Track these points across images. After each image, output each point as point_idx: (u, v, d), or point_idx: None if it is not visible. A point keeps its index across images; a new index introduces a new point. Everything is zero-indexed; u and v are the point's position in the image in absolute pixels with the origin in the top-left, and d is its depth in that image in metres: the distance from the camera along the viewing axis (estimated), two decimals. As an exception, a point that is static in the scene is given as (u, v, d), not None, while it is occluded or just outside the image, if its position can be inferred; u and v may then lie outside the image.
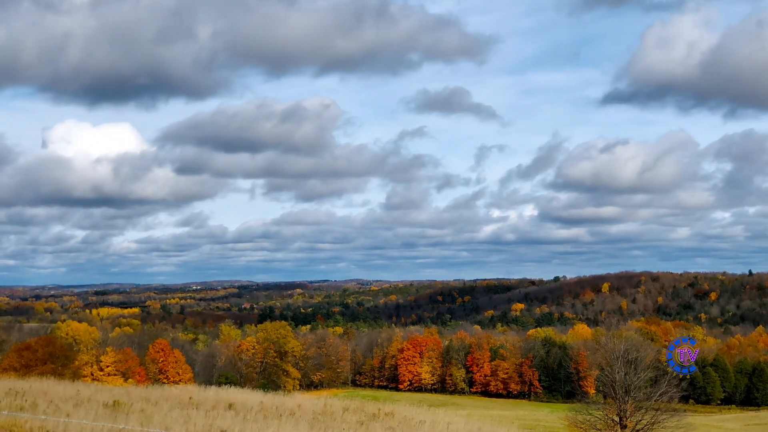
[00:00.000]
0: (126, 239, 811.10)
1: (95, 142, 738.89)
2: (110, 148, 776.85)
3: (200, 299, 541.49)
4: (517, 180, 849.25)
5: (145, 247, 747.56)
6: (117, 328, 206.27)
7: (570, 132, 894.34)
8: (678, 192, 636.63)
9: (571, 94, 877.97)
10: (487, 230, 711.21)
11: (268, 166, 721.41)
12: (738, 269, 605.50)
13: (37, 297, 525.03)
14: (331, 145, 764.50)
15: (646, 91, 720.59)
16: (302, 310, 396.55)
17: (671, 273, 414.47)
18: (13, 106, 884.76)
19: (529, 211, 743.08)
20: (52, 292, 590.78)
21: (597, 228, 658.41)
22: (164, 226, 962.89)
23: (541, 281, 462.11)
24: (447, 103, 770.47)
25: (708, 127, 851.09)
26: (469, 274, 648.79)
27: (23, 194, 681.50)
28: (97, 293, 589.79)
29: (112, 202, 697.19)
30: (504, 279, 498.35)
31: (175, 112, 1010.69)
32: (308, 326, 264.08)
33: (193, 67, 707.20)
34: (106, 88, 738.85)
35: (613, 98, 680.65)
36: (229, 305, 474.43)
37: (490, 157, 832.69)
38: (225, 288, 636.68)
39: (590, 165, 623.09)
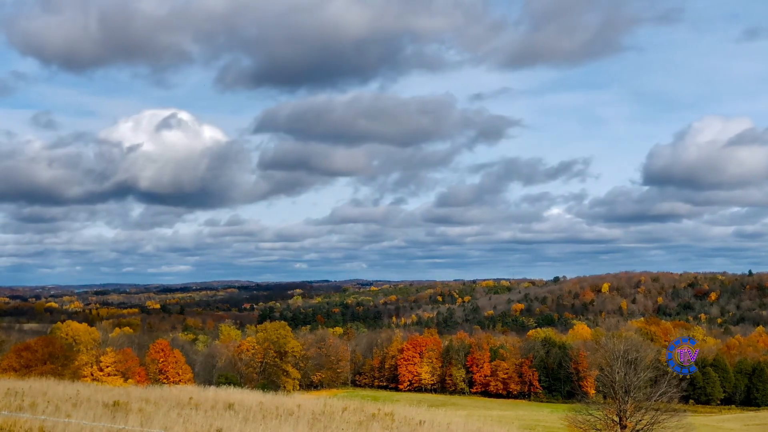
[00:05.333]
0: (156, 237, 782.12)
1: (179, 135, 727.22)
2: (200, 142, 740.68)
3: (200, 299, 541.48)
4: (613, 176, 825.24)
5: (163, 247, 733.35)
6: (117, 329, 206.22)
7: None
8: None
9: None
10: (530, 228, 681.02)
11: (362, 161, 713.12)
12: (738, 269, 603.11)
13: (38, 297, 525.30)
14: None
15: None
16: (302, 311, 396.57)
17: (671, 273, 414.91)
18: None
19: (579, 209, 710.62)
20: (52, 292, 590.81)
21: (642, 227, 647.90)
22: (196, 225, 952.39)
23: (541, 281, 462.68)
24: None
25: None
26: (479, 274, 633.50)
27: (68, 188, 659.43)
28: (97, 293, 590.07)
29: (166, 199, 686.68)
30: (504, 279, 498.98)
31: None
32: (308, 326, 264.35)
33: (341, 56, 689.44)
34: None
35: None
36: (229, 305, 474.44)
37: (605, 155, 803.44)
38: (225, 288, 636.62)
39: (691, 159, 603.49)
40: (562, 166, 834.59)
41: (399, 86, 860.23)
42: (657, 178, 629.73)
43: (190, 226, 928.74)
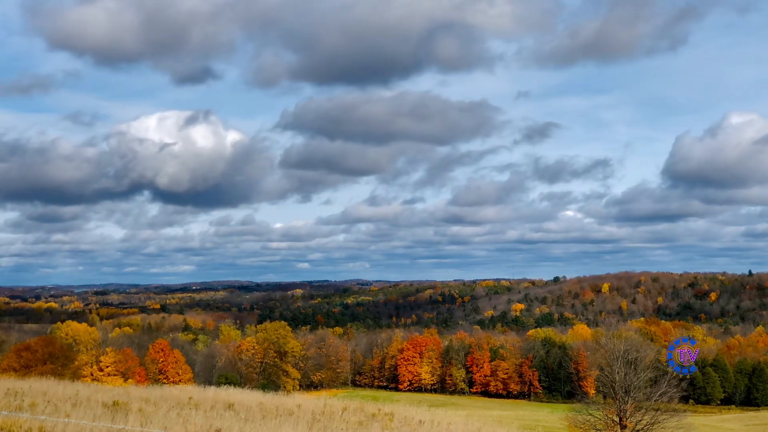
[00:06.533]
0: (165, 237, 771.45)
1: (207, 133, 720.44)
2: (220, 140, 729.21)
3: (200, 300, 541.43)
4: (638, 175, 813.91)
5: (170, 247, 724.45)
6: (117, 329, 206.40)
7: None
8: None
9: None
10: (541, 227, 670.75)
11: (386, 160, 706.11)
12: (739, 269, 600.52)
13: (37, 297, 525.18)
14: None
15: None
16: (302, 311, 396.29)
17: (671, 273, 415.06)
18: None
19: (593, 208, 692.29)
20: (52, 293, 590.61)
21: (652, 227, 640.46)
22: (207, 225, 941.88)
23: (541, 281, 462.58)
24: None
25: None
26: (482, 274, 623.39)
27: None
28: (96, 293, 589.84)
29: (184, 199, 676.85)
30: (504, 279, 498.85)
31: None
32: (308, 326, 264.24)
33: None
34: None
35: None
36: (229, 305, 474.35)
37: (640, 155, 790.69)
38: (225, 288, 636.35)
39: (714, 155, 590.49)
40: (594, 164, 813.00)
41: (447, 83, 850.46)
42: (679, 176, 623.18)
43: (202, 225, 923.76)
